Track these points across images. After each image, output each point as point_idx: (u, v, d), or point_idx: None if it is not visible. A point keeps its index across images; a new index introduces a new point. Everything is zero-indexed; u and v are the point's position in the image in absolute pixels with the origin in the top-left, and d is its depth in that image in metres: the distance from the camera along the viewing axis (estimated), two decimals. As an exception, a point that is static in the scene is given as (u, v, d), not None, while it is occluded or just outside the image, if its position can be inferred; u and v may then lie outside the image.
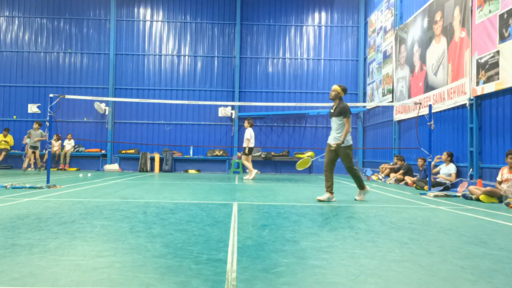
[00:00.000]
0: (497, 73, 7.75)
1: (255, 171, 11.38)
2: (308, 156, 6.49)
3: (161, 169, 15.80)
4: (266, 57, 16.94)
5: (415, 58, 11.68)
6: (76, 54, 16.79)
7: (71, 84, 16.64)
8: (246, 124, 11.61)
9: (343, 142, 6.10)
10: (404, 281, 2.21)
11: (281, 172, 16.29)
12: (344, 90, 6.26)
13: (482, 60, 8.26)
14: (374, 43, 15.39)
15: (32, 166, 14.27)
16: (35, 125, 13.58)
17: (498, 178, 6.85)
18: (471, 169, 8.76)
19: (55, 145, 15.47)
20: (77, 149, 16.26)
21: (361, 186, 6.36)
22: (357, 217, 4.53)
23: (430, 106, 8.47)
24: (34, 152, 13.60)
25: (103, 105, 16.33)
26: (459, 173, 9.24)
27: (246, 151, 11.50)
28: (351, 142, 6.26)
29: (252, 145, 11.48)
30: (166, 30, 16.98)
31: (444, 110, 10.11)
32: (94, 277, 2.17)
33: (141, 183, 9.07)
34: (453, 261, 2.67)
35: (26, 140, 15.86)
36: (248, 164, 11.52)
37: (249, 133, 11.47)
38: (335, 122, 6.25)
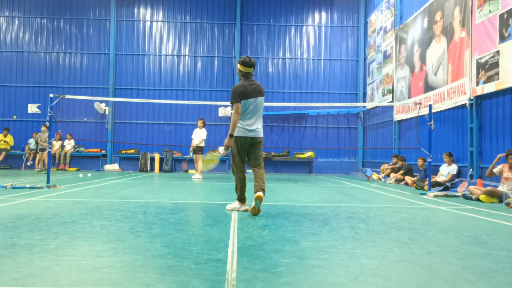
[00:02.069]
0: (497, 73, 7.75)
1: (201, 176, 11.61)
2: (214, 156, 5.53)
3: (161, 169, 15.80)
4: (266, 57, 16.94)
5: (415, 58, 11.68)
6: (76, 54, 16.79)
7: (71, 84, 16.65)
8: (202, 124, 11.73)
9: (231, 135, 4.68)
10: (404, 281, 2.21)
11: (281, 172, 16.29)
12: (243, 63, 4.74)
13: (482, 60, 8.26)
14: (374, 43, 15.40)
15: (39, 165, 14.39)
16: (43, 128, 14.18)
17: (496, 170, 6.84)
18: (471, 169, 8.77)
19: (56, 145, 15.47)
20: (77, 149, 16.26)
21: (239, 198, 4.86)
22: (357, 217, 4.53)
23: (430, 106, 8.47)
24: (42, 154, 14.11)
25: (103, 105, 16.33)
26: (459, 173, 9.24)
27: (194, 150, 11.73)
28: (238, 134, 4.72)
29: (203, 144, 11.71)
30: (166, 30, 16.98)
31: (444, 110, 10.11)
32: (94, 277, 2.17)
33: (141, 183, 9.07)
34: (453, 261, 2.67)
35: (32, 142, 15.90)
36: (201, 164, 11.69)
37: (205, 133, 11.74)
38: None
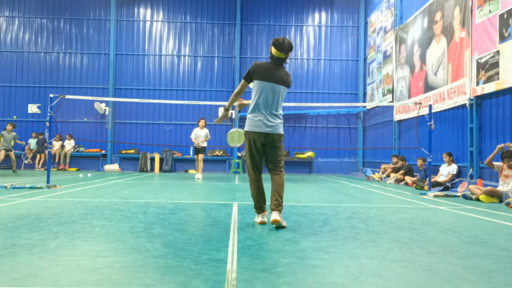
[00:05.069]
0: (497, 73, 7.75)
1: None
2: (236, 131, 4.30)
3: (161, 169, 15.79)
4: (266, 57, 16.92)
5: (415, 58, 11.68)
6: (76, 54, 16.80)
7: (71, 84, 16.65)
8: (204, 124, 11.68)
9: (226, 111, 4.15)
10: (404, 281, 2.21)
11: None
12: (275, 45, 3.84)
13: (482, 60, 8.26)
14: (374, 43, 15.40)
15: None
16: (9, 127, 12.50)
17: (496, 164, 6.85)
18: (471, 169, 8.77)
19: (56, 145, 15.48)
20: (77, 149, 16.26)
21: (255, 207, 4.05)
22: (357, 217, 4.53)
23: (430, 106, 8.47)
24: (8, 154, 12.52)
25: (103, 105, 16.33)
26: (459, 173, 9.24)
27: (197, 151, 11.64)
28: (246, 128, 3.95)
29: (205, 144, 11.72)
30: (166, 30, 16.98)
31: (444, 110, 10.11)
32: (94, 277, 2.17)
33: (141, 183, 9.07)
34: (453, 261, 2.67)
35: (32, 143, 15.81)
36: (202, 165, 11.72)
37: (207, 133, 11.73)
38: None
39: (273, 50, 3.87)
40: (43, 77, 16.67)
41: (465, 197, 6.89)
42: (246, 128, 3.91)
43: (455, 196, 7.26)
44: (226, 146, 16.28)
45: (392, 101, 13.20)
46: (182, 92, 16.76)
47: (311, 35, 17.12)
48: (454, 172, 9.08)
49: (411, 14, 12.20)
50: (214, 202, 5.75)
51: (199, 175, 11.46)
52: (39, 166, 15.71)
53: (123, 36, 16.88)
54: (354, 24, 17.11)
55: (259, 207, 4.00)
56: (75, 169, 15.75)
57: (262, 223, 3.93)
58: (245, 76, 3.93)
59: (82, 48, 16.83)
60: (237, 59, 16.69)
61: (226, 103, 3.97)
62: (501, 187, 6.63)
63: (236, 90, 3.96)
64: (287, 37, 16.79)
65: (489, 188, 6.58)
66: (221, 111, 16.55)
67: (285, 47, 3.83)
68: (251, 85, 4.02)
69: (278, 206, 3.78)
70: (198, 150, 11.65)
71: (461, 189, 8.43)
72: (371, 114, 15.93)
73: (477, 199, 6.54)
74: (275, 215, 3.72)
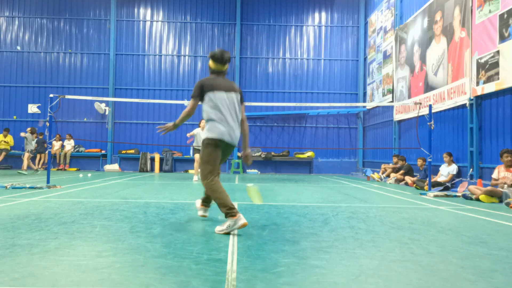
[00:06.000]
0: (497, 73, 7.75)
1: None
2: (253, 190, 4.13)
3: (161, 169, 15.79)
4: (266, 57, 16.94)
5: (415, 58, 11.68)
6: (76, 54, 16.80)
7: (71, 84, 16.65)
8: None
9: (174, 125, 3.97)
10: (404, 281, 2.21)
11: (281, 172, 16.29)
12: (214, 58, 3.85)
13: (482, 60, 8.26)
14: (374, 43, 15.40)
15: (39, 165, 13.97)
16: (28, 129, 13.53)
17: (494, 176, 6.90)
18: (471, 169, 8.77)
19: (56, 145, 15.47)
20: (77, 149, 16.26)
21: (229, 212, 3.53)
22: (357, 217, 4.53)
23: (430, 106, 8.47)
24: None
25: (103, 105, 16.33)
26: (459, 173, 9.24)
27: (198, 151, 11.35)
28: (209, 135, 3.73)
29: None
30: (166, 30, 16.98)
31: (444, 110, 10.11)
32: (94, 277, 2.17)
33: (141, 183, 9.07)
34: (453, 261, 2.67)
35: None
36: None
37: None
38: None
39: (212, 64, 3.90)
40: (43, 77, 16.68)
41: (465, 197, 6.89)
42: (210, 135, 3.69)
43: (455, 196, 7.26)
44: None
45: (392, 101, 13.20)
46: (182, 92, 16.77)
47: (311, 35, 17.12)
48: (454, 172, 9.08)
49: (411, 14, 12.20)
50: (213, 202, 5.74)
51: (196, 177, 11.25)
52: (39, 166, 15.70)
53: (123, 36, 16.88)
54: (354, 24, 17.11)
55: (233, 207, 3.53)
56: (75, 169, 15.75)
57: (245, 225, 3.47)
58: (194, 94, 3.84)
59: (82, 48, 16.83)
60: (237, 59, 16.69)
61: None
62: (501, 187, 6.63)
63: (187, 109, 3.84)
64: (287, 38, 16.84)
65: (489, 188, 6.58)
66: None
67: (223, 59, 3.84)
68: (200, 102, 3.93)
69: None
70: (198, 151, 11.35)
71: (461, 189, 8.43)
72: (371, 114, 15.93)
73: (477, 199, 6.54)
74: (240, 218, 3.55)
